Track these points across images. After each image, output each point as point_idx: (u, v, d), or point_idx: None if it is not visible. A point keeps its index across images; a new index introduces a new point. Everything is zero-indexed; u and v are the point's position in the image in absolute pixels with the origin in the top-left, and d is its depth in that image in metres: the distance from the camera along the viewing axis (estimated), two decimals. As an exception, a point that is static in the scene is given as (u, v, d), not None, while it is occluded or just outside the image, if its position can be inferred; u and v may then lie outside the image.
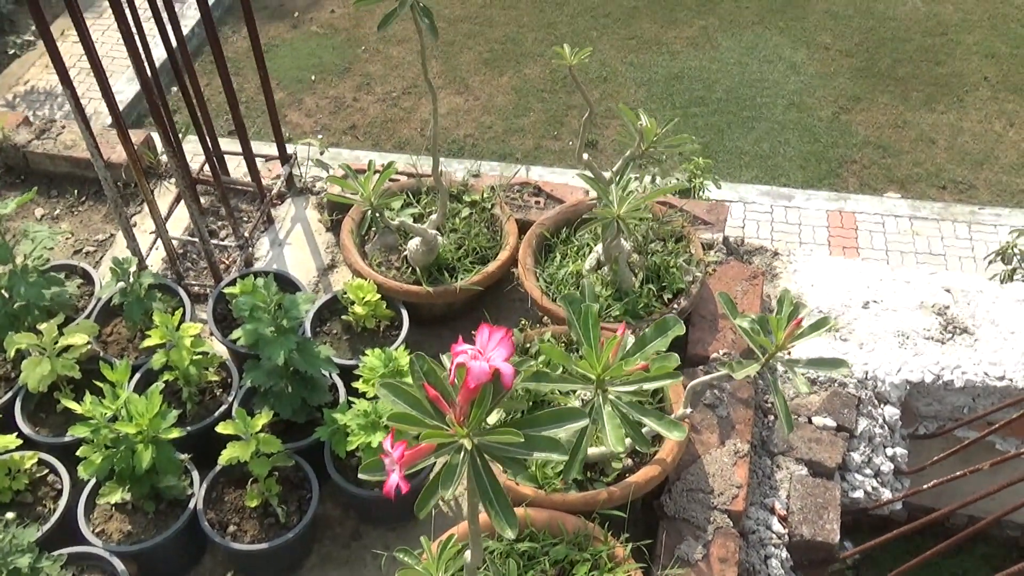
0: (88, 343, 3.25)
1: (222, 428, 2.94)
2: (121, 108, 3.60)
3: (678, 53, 8.28)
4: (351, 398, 3.09)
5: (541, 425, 1.92)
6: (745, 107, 7.73)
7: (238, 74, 7.66)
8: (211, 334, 3.48)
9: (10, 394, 3.29)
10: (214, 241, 3.91)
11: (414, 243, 3.54)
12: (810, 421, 3.41)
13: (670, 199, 3.86)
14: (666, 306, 3.37)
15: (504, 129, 7.68)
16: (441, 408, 1.90)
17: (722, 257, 3.76)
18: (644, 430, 2.38)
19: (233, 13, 8.60)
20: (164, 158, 4.32)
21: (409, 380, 1.96)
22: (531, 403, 3.02)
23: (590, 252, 3.53)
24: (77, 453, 2.89)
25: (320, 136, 7.57)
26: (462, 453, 1.85)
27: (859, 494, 3.39)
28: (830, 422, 3.39)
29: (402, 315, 3.48)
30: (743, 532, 3.15)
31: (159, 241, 3.84)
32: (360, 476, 1.96)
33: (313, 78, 8.20)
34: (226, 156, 4.09)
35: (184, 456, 3.05)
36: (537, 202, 3.93)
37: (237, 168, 4.25)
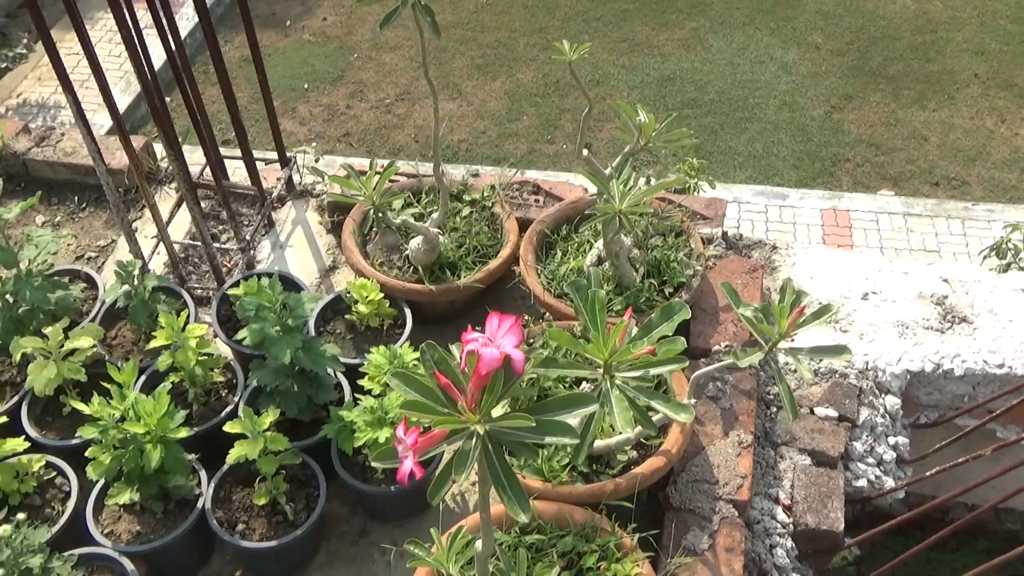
0: (93, 346, 3.26)
1: (229, 427, 2.95)
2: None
3: (670, 55, 8.32)
4: (357, 395, 3.11)
5: (551, 411, 1.94)
6: (738, 108, 7.77)
7: (231, 84, 7.64)
8: (215, 336, 3.50)
9: (16, 398, 3.30)
10: (215, 245, 3.92)
11: (416, 242, 3.57)
12: (812, 412, 3.43)
13: (669, 195, 3.89)
14: (667, 300, 3.40)
15: (498, 134, 7.71)
16: (452, 396, 1.91)
17: (722, 251, 3.79)
18: (656, 417, 2.40)
19: (225, 23, 8.62)
20: (164, 163, 4.34)
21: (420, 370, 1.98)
22: (535, 398, 3.04)
23: (591, 248, 3.56)
24: (86, 454, 2.90)
25: (314, 144, 7.58)
26: (474, 439, 1.87)
27: (862, 483, 3.42)
28: (832, 412, 3.42)
29: (405, 314, 3.50)
30: (748, 522, 3.17)
31: (161, 245, 3.85)
32: (372, 464, 1.98)
33: (306, 86, 8.23)
34: (225, 161, 4.11)
35: (191, 456, 3.07)
36: (536, 200, 3.96)
37: (235, 173, 4.27)
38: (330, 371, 3.22)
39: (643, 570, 2.75)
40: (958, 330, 3.62)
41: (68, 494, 3.08)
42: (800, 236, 6.69)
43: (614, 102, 7.77)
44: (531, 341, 3.24)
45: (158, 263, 3.97)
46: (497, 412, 1.88)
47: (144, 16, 3.30)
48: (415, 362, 3.08)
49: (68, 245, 4.14)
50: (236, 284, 3.49)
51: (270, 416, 2.99)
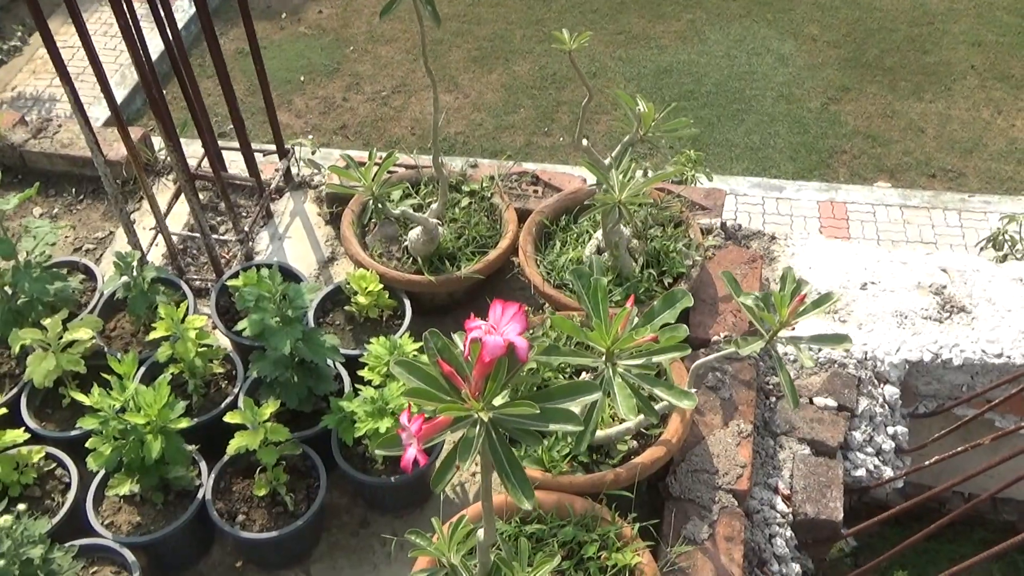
0: (92, 338, 3.25)
1: (230, 417, 2.95)
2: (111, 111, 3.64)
3: (666, 47, 8.32)
4: (357, 386, 3.10)
5: (555, 399, 1.95)
6: (734, 100, 7.77)
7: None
8: (214, 327, 3.49)
9: (16, 390, 3.29)
10: (214, 236, 3.91)
11: (415, 233, 3.56)
12: (811, 401, 3.44)
13: (667, 185, 3.89)
14: (667, 290, 3.39)
15: (495, 126, 7.70)
16: (456, 384, 1.92)
17: (720, 242, 3.79)
18: (659, 405, 2.40)
19: (219, 16, 8.60)
20: (162, 155, 4.33)
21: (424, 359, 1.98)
22: (534, 388, 3.04)
23: (590, 239, 3.55)
24: (87, 444, 2.89)
25: (311, 136, 7.57)
26: (478, 427, 1.87)
27: (861, 472, 3.42)
28: (831, 402, 3.42)
29: (404, 304, 3.49)
30: (748, 512, 3.18)
31: (159, 237, 3.84)
32: (376, 452, 1.98)
33: (302, 79, 8.21)
34: (223, 152, 4.10)
35: (191, 447, 3.06)
36: (535, 191, 3.96)
37: (232, 165, 4.26)
38: (330, 362, 3.22)
39: (643, 559, 2.76)
40: (957, 320, 3.62)
41: (68, 485, 3.08)
42: (797, 228, 6.69)
43: (610, 94, 7.77)
44: (531, 331, 3.24)
45: (156, 255, 3.96)
46: (499, 401, 1.89)
47: (140, 7, 3.29)
48: (415, 353, 3.08)
49: (66, 237, 4.13)
50: (235, 275, 3.49)
51: (270, 407, 2.99)
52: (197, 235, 3.85)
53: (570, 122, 7.63)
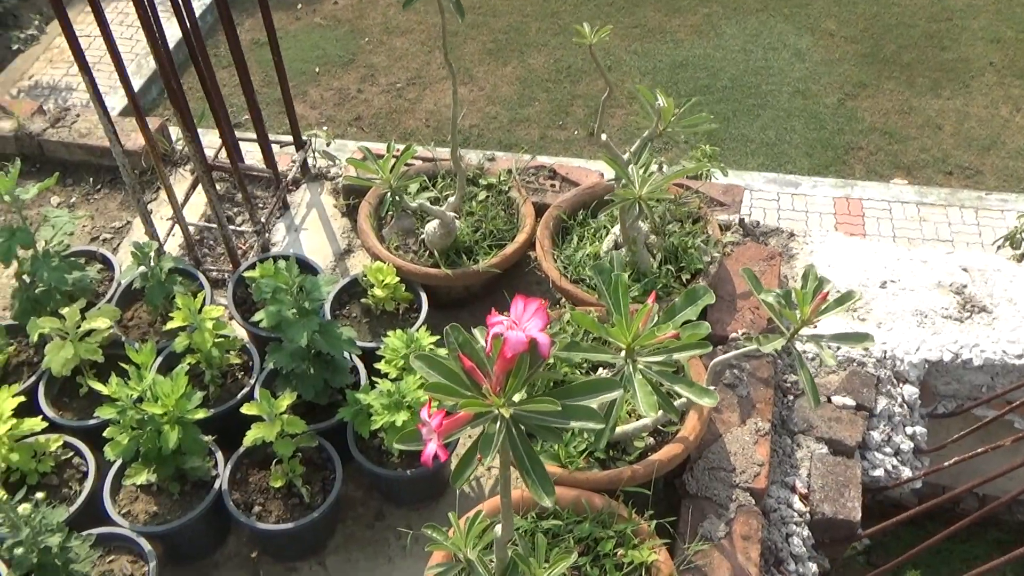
0: (110, 327, 3.26)
1: (247, 409, 2.95)
2: (127, 100, 3.64)
3: (682, 41, 8.28)
4: (373, 378, 3.10)
5: (575, 395, 1.93)
6: (750, 95, 7.72)
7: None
8: (231, 318, 3.49)
9: (34, 378, 3.29)
10: (231, 227, 3.91)
11: (432, 226, 3.55)
12: (830, 400, 3.42)
13: (686, 181, 3.87)
14: (684, 287, 3.38)
15: (509, 119, 7.68)
16: (477, 379, 1.90)
17: (739, 238, 3.77)
18: (678, 402, 2.39)
19: (236, 6, 8.53)
20: (179, 145, 4.33)
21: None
22: (551, 384, 3.03)
23: (607, 234, 3.54)
24: (104, 434, 2.90)
25: (325, 128, 7.56)
26: (499, 423, 1.86)
27: (879, 472, 3.40)
28: (849, 401, 3.40)
29: (421, 298, 3.48)
30: (765, 510, 3.16)
31: (176, 227, 3.84)
32: (395, 446, 1.97)
33: (317, 70, 8.20)
34: (240, 143, 4.09)
35: (208, 438, 3.06)
36: (552, 185, 3.94)
37: (248, 155, 4.25)
38: (346, 354, 3.21)
39: (660, 557, 2.75)
40: (977, 319, 3.60)
41: (85, 474, 3.08)
42: (812, 225, 6.66)
43: (626, 88, 7.74)
44: (549, 327, 3.22)
45: (173, 245, 3.96)
46: (518, 397, 1.87)
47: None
48: (432, 346, 3.07)
49: (83, 226, 4.14)
50: (252, 266, 3.49)
51: (287, 399, 2.98)
52: (214, 226, 3.85)
53: (585, 116, 7.60)
